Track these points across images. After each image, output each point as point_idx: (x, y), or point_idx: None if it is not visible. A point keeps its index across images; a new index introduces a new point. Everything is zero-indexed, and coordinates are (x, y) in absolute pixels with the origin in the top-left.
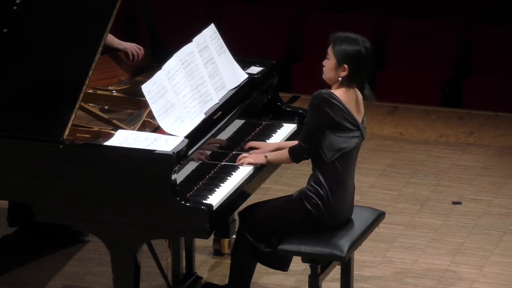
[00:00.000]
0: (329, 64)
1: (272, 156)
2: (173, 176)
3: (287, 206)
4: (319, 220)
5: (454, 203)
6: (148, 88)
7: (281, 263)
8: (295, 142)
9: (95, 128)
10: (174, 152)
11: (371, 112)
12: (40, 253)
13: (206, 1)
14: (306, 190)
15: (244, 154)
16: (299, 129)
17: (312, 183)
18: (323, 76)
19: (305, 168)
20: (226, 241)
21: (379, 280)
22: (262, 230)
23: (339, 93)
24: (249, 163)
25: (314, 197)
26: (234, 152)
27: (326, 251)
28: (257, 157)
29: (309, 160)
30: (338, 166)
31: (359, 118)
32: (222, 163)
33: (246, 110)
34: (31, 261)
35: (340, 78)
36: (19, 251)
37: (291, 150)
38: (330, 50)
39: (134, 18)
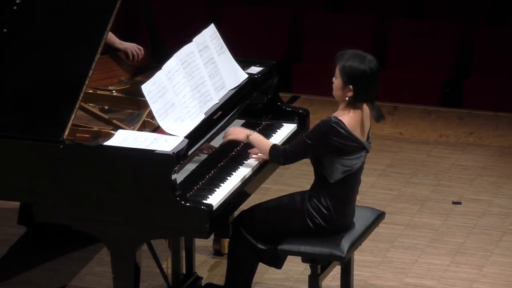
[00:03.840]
0: (336, 83)
1: (254, 137)
2: (173, 176)
3: (288, 217)
4: (320, 233)
5: (454, 203)
6: (148, 88)
7: (275, 261)
8: None
9: (95, 128)
10: (174, 152)
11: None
12: (41, 253)
13: (206, 1)
14: (310, 207)
15: (228, 131)
16: (299, 129)
17: (316, 201)
18: (333, 93)
19: (305, 168)
20: (226, 241)
21: (379, 280)
22: (261, 232)
23: (346, 119)
24: (230, 139)
25: (317, 216)
26: (234, 152)
27: (326, 251)
28: (239, 134)
29: (310, 162)
30: (343, 185)
31: (364, 137)
32: (223, 163)
33: (246, 110)
34: (32, 261)
35: (347, 98)
36: (22, 251)
37: (273, 147)
38: (337, 69)
39: (134, 18)
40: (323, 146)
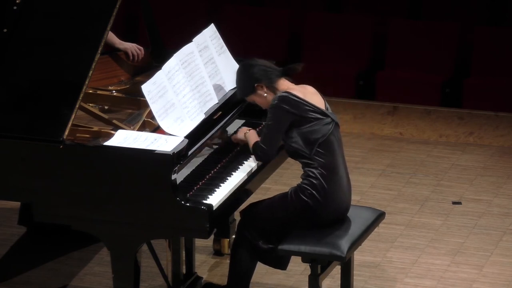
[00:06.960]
0: (257, 101)
1: (249, 133)
2: (173, 176)
3: (284, 202)
4: (317, 210)
5: (454, 203)
6: (148, 88)
7: (280, 262)
8: None
9: (95, 128)
10: (174, 152)
11: (371, 112)
12: (41, 253)
13: (206, 1)
14: (301, 184)
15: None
16: None
17: (304, 177)
18: (265, 108)
19: None
20: (226, 241)
21: (379, 280)
22: (261, 228)
23: (292, 90)
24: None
25: (309, 188)
26: (234, 152)
27: (326, 251)
28: (240, 132)
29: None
30: (321, 156)
31: (321, 107)
32: (223, 163)
33: (246, 110)
34: (32, 261)
35: (265, 94)
36: (22, 251)
37: (255, 144)
38: (247, 98)
39: (134, 18)
40: (283, 120)
